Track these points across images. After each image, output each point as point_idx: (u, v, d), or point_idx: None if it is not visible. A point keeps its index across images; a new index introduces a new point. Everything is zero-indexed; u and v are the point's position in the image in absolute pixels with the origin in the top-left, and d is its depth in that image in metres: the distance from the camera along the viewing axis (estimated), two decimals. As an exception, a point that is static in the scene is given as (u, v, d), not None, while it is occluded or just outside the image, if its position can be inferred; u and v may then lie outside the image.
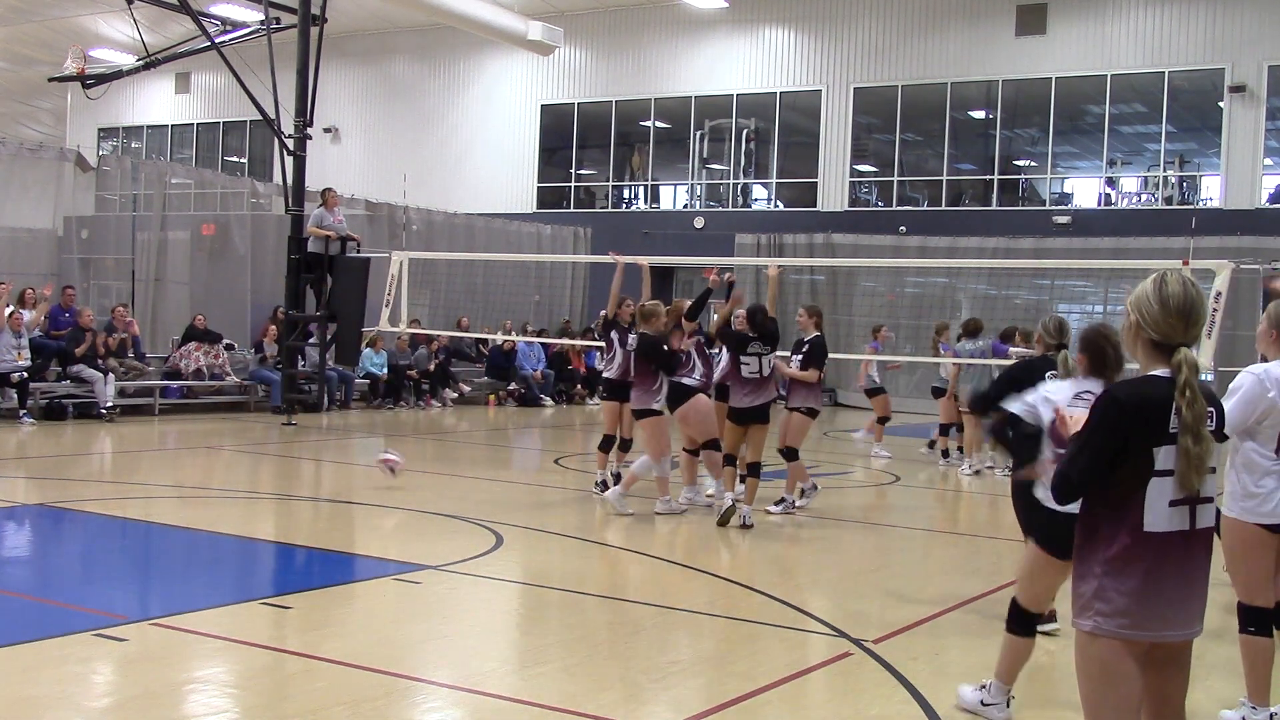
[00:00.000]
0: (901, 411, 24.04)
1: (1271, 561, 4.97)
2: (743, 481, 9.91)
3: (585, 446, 15.91)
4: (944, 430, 15.22)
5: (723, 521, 9.59)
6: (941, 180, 26.35)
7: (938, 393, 15.37)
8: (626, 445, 11.56)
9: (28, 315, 16.21)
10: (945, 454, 15.11)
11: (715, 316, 11.43)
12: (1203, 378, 3.42)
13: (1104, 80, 24.17)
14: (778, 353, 10.16)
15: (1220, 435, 3.43)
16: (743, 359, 9.86)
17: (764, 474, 10.03)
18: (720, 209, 28.35)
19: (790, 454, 10.48)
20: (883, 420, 15.92)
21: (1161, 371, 3.34)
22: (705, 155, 28.55)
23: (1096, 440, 3.28)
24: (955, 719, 5.17)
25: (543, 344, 23.56)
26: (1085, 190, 25.95)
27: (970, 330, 14.87)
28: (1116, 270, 21.06)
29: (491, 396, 22.64)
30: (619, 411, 11.14)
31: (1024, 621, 5.11)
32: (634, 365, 10.35)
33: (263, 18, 19.29)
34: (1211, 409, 3.35)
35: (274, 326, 18.84)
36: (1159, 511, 3.27)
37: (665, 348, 10.07)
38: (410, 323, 20.07)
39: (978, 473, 14.24)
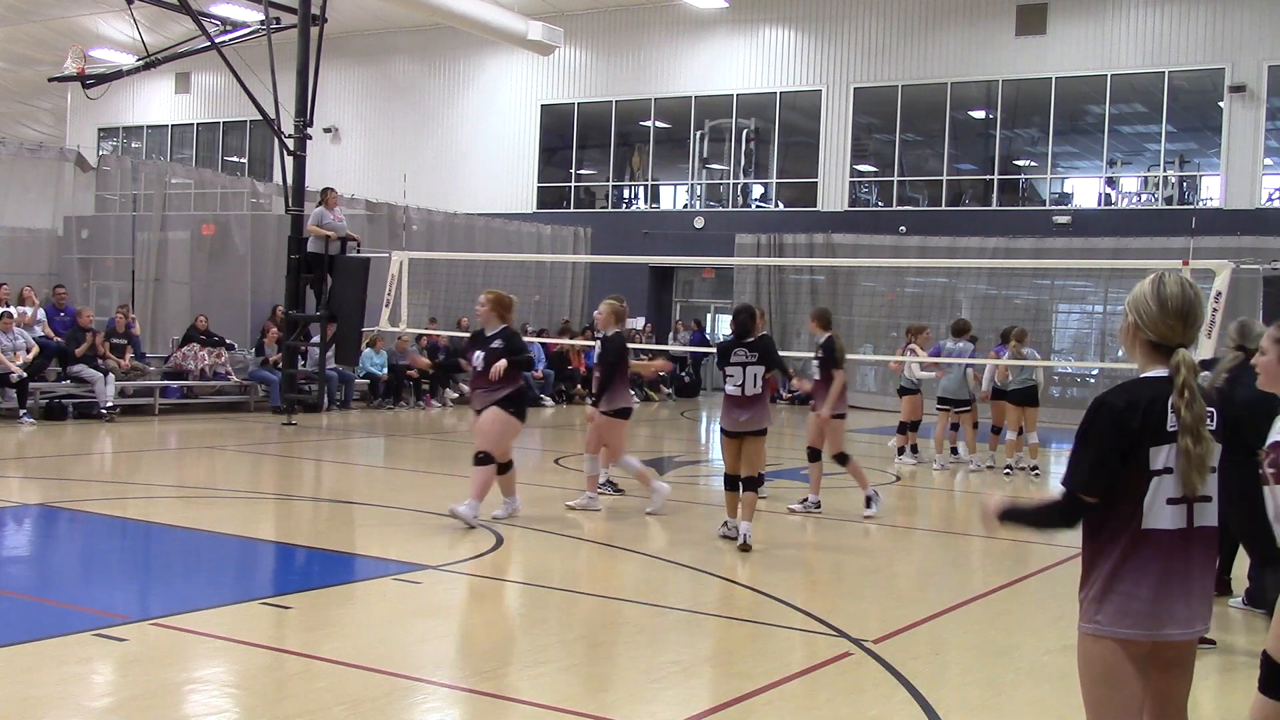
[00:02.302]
0: (899, 411, 24.06)
1: None
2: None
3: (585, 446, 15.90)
4: (902, 429, 15.24)
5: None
6: (941, 180, 26.36)
7: (903, 392, 15.37)
8: None
9: (19, 313, 16.29)
10: (914, 449, 15.16)
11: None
12: (1203, 376, 3.42)
13: (1104, 80, 24.17)
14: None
15: (1220, 437, 3.43)
16: (727, 371, 8.97)
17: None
18: (720, 209, 28.36)
19: (842, 459, 10.50)
20: (912, 425, 15.33)
21: (1158, 372, 3.35)
22: (705, 155, 28.56)
23: (1094, 448, 3.29)
24: (955, 719, 5.17)
25: (542, 344, 23.56)
26: (1085, 190, 25.95)
27: (959, 330, 14.83)
28: (1116, 270, 21.08)
29: (491, 396, 22.60)
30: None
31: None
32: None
33: (263, 18, 19.29)
34: (1211, 409, 3.35)
35: (275, 328, 18.85)
36: (1159, 510, 3.28)
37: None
38: (429, 322, 20.13)
39: (944, 468, 14.59)
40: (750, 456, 8.97)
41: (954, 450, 15.22)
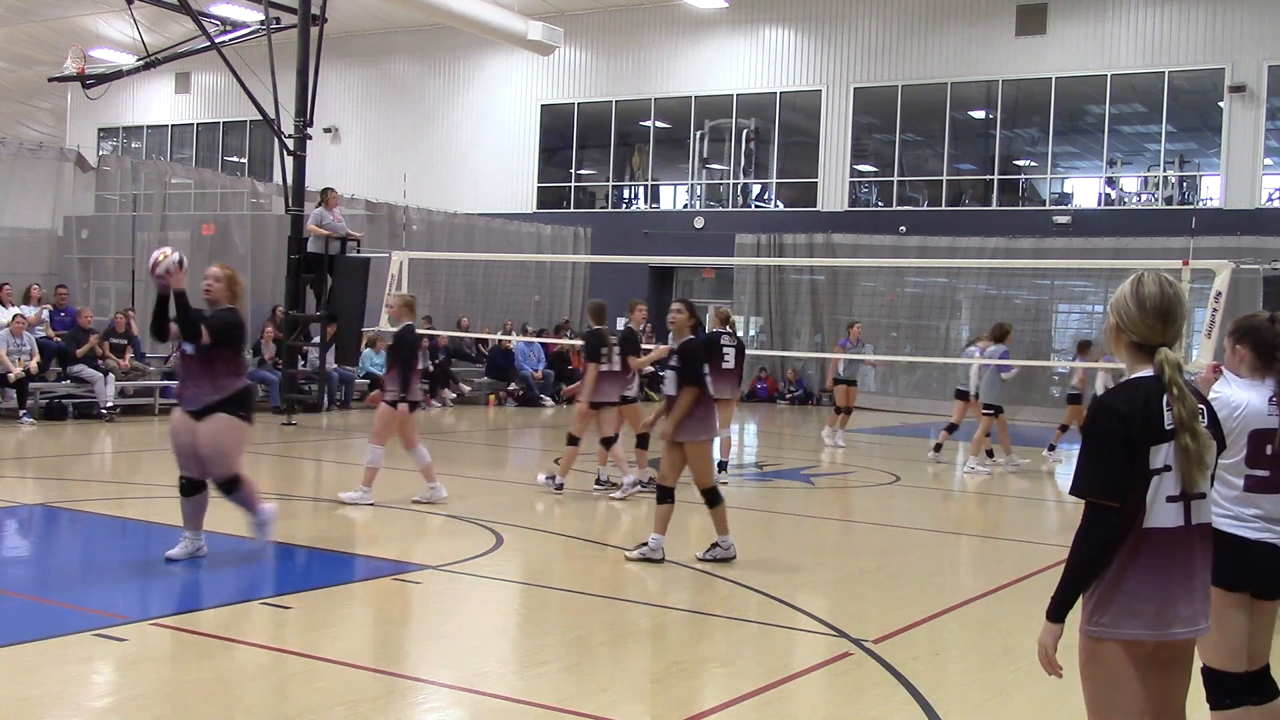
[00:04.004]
0: (900, 411, 24.08)
1: None
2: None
3: (585, 446, 15.90)
4: (951, 430, 15.33)
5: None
6: (941, 180, 26.35)
7: (963, 394, 15.36)
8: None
9: (29, 312, 16.36)
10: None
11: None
12: (1188, 376, 3.42)
13: (1104, 80, 24.17)
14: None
15: (1216, 432, 3.43)
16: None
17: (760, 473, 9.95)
18: (720, 209, 28.35)
19: (606, 443, 11.27)
20: (841, 410, 16.92)
21: (1146, 372, 3.36)
22: (705, 155, 28.56)
23: (1102, 452, 3.29)
24: (955, 719, 5.17)
25: (543, 344, 23.57)
26: (1085, 190, 25.95)
27: (997, 336, 14.77)
28: (1116, 270, 21.02)
29: (491, 396, 22.64)
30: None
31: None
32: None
33: (263, 18, 19.30)
34: (1201, 405, 3.36)
35: (271, 327, 18.84)
36: (1160, 508, 3.29)
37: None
38: (423, 320, 20.13)
39: (972, 470, 14.57)
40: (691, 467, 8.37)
41: (989, 454, 15.21)
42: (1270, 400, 4.11)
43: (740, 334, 13.88)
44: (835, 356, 17.28)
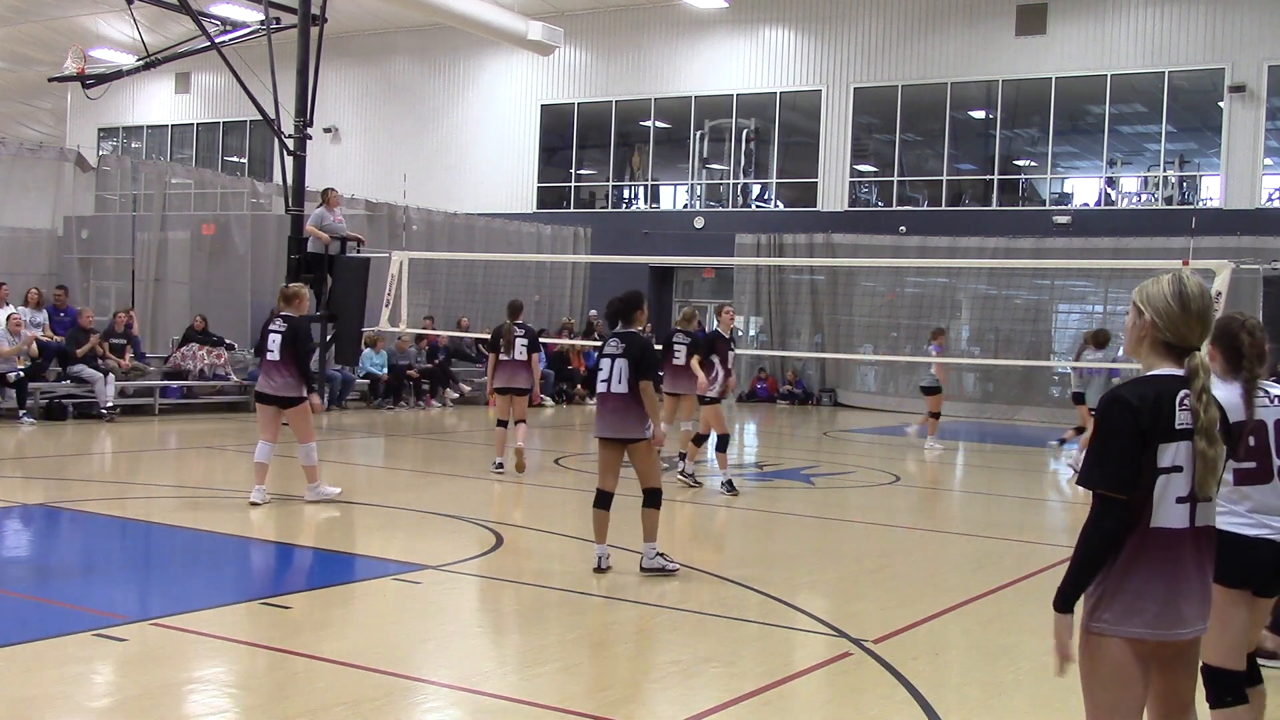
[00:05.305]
0: (901, 412, 24.07)
1: None
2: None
3: (585, 446, 15.91)
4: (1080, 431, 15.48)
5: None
6: (941, 180, 26.35)
7: (1079, 398, 15.33)
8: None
9: (30, 314, 16.37)
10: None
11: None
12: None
13: (1104, 80, 24.17)
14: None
15: (1228, 439, 3.42)
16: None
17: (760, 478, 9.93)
18: (720, 209, 28.35)
19: (501, 424, 12.60)
20: (935, 415, 17.11)
21: (1166, 371, 3.35)
22: (705, 155, 28.55)
23: (1113, 443, 3.28)
24: (955, 719, 5.17)
25: (543, 344, 23.55)
26: (1085, 190, 25.94)
27: (1099, 341, 14.68)
28: (1116, 270, 21.07)
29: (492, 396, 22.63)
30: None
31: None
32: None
33: (263, 18, 19.29)
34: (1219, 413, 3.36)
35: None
36: (1167, 508, 3.28)
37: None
38: (424, 320, 20.13)
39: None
40: (639, 469, 7.85)
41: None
42: (1240, 396, 4.13)
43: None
44: (937, 360, 17.02)
